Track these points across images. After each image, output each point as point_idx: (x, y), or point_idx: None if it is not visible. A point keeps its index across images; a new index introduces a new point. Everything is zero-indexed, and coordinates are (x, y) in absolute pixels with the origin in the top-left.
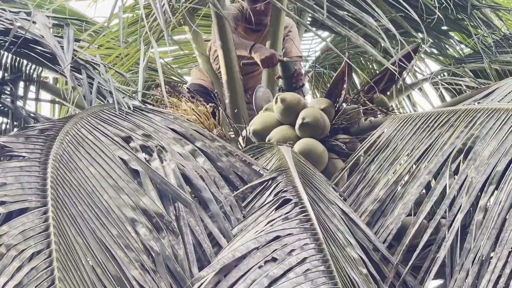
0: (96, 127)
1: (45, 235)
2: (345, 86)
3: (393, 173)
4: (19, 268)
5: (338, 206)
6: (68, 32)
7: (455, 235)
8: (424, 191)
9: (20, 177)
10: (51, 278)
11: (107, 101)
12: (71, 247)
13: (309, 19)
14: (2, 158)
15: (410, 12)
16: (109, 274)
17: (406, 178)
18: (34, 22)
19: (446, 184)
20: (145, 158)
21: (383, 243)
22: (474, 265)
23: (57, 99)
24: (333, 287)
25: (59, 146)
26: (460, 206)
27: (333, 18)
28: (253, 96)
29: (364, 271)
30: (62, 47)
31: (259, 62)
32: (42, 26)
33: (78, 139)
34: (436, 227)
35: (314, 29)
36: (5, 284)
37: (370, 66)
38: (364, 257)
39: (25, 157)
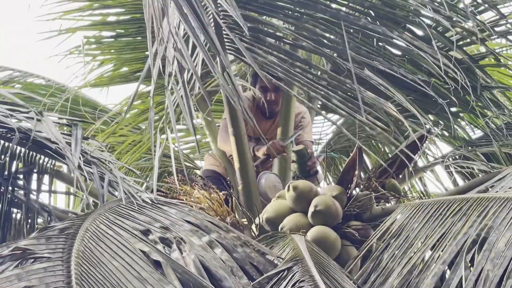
0: (114, 222)
1: None
2: (356, 172)
3: (407, 261)
4: None
5: None
6: (76, 133)
7: None
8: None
9: (44, 278)
10: None
11: (122, 196)
12: None
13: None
14: (25, 262)
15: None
16: None
17: (420, 268)
18: (38, 131)
19: (462, 276)
20: (165, 250)
21: None
22: None
23: (71, 188)
24: None
25: (80, 243)
26: None
27: (345, 102)
28: (257, 183)
29: None
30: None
31: (266, 156)
32: (50, 127)
33: (98, 235)
34: None
35: (325, 113)
36: None
37: (382, 149)
38: None
39: (48, 258)
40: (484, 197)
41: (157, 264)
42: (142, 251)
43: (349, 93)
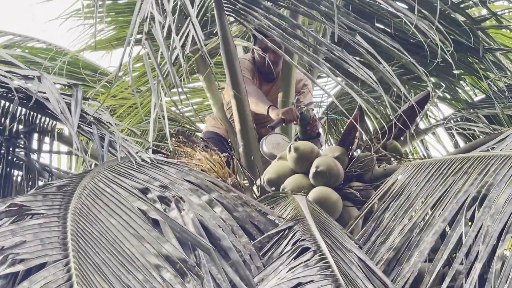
0: (113, 180)
1: (68, 285)
2: (357, 133)
3: (408, 220)
4: None
5: (355, 254)
6: (76, 94)
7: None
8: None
9: (39, 234)
10: None
11: (119, 155)
12: None
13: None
14: (20, 218)
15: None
16: None
17: (421, 226)
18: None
19: (462, 232)
20: (163, 209)
21: None
22: None
23: (73, 150)
24: None
25: (77, 200)
26: (477, 254)
27: (347, 62)
28: (260, 144)
29: None
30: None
31: (280, 119)
32: (49, 89)
33: (96, 192)
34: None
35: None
36: None
37: (384, 112)
38: None
39: (44, 214)
40: (485, 155)
41: (155, 223)
42: (140, 209)
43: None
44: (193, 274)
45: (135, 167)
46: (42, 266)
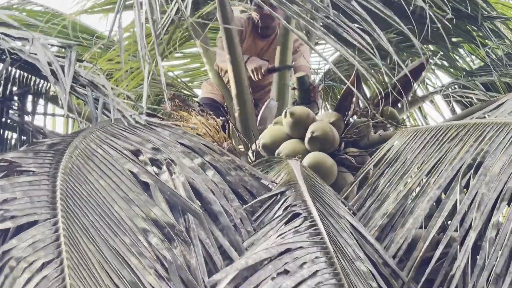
0: (105, 141)
1: (55, 245)
2: (354, 99)
3: (403, 187)
4: (29, 280)
5: (347, 220)
6: (70, 55)
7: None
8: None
9: (29, 191)
10: (62, 285)
11: (112, 116)
12: (83, 255)
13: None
14: (10, 174)
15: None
16: (124, 279)
17: (415, 193)
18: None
19: (456, 200)
20: (155, 171)
21: (393, 258)
22: (489, 285)
23: (68, 113)
24: None
25: (68, 160)
26: (471, 222)
27: (344, 29)
28: (263, 107)
29: (374, 285)
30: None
31: (250, 74)
32: (42, 50)
33: (87, 153)
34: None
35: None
36: None
37: (381, 79)
38: (374, 271)
39: (34, 172)
40: (481, 123)
41: (145, 186)
42: (131, 171)
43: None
44: (180, 239)
45: (128, 129)
46: (31, 224)
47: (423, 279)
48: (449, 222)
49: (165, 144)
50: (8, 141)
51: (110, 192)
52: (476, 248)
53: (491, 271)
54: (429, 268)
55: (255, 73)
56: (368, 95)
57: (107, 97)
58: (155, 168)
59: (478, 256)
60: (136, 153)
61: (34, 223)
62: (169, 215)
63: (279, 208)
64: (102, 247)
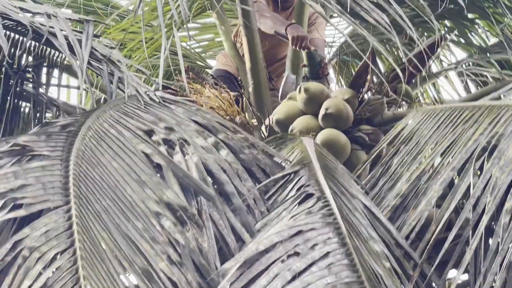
0: (118, 121)
1: (68, 234)
2: (369, 77)
3: (416, 168)
4: (42, 271)
5: (360, 200)
6: (88, 29)
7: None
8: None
9: (41, 177)
10: (75, 277)
11: (126, 93)
12: (96, 243)
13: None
14: (22, 159)
15: None
16: (136, 267)
17: (429, 174)
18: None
19: (470, 183)
20: (168, 152)
21: (406, 239)
22: (502, 270)
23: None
24: (357, 280)
25: (81, 141)
26: (485, 206)
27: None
28: (282, 82)
29: (388, 265)
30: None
31: (290, 39)
32: (60, 25)
33: (100, 133)
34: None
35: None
36: (29, 287)
37: (396, 54)
38: (386, 251)
39: (47, 156)
40: (496, 105)
41: (158, 167)
42: (144, 152)
43: None
44: (193, 222)
45: (142, 107)
46: (42, 211)
47: (436, 261)
48: (461, 205)
49: (179, 122)
50: (22, 109)
51: (123, 175)
52: (489, 233)
53: (504, 257)
54: (442, 251)
55: (295, 42)
56: (382, 71)
57: (122, 73)
58: (168, 148)
59: (491, 241)
60: (149, 133)
61: (47, 211)
62: (182, 198)
63: (292, 188)
64: (115, 233)
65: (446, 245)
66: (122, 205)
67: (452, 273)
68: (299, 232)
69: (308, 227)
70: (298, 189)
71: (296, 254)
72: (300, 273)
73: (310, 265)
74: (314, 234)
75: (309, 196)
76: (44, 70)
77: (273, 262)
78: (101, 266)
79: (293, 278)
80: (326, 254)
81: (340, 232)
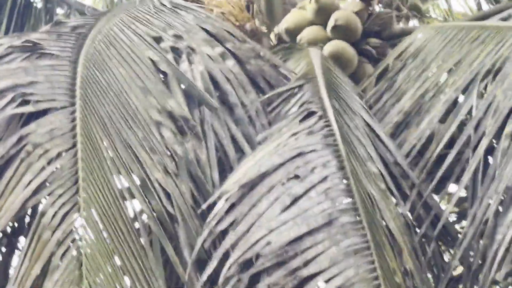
0: (128, 26)
1: (71, 135)
2: None
3: (421, 85)
4: (44, 167)
5: (362, 118)
6: None
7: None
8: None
9: (50, 76)
10: (75, 178)
11: None
12: (96, 147)
13: None
14: (32, 56)
15: None
16: (132, 174)
17: (433, 92)
18: None
19: (472, 104)
20: (175, 60)
21: (406, 157)
22: (498, 194)
23: None
24: (352, 206)
25: (91, 44)
26: (485, 128)
27: None
28: None
29: (383, 186)
30: None
31: None
32: None
33: (110, 38)
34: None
35: None
36: (30, 181)
37: None
38: (384, 171)
39: (56, 55)
40: (504, 26)
41: (164, 75)
42: (151, 59)
43: None
44: (193, 133)
45: (152, 12)
46: (47, 110)
47: (434, 182)
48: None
49: (188, 30)
50: (34, 5)
51: (128, 81)
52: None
53: (500, 181)
54: (441, 170)
55: None
56: None
57: None
58: (175, 56)
59: (490, 164)
60: (158, 40)
61: (52, 110)
62: (184, 108)
63: (295, 104)
64: (115, 140)
65: (447, 162)
66: (124, 112)
67: (451, 188)
68: (300, 154)
69: (308, 149)
70: (301, 106)
71: (296, 177)
72: (299, 197)
73: (309, 190)
74: (314, 156)
75: (311, 114)
76: None
77: (274, 186)
78: (100, 170)
79: (292, 203)
80: (325, 178)
81: (339, 154)
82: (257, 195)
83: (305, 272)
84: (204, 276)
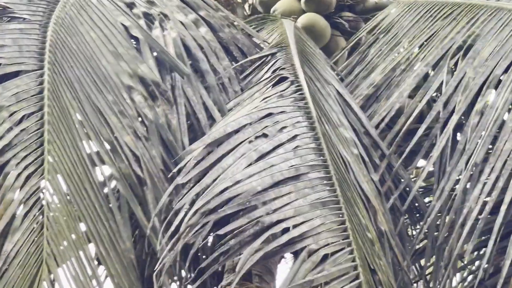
0: None
1: (38, 98)
2: None
3: (392, 59)
4: (9, 129)
5: (334, 87)
6: None
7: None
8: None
9: (18, 40)
10: (40, 140)
11: None
12: (65, 111)
13: None
14: (2, 19)
15: None
16: (101, 138)
17: (404, 66)
18: None
19: (443, 80)
20: (147, 26)
21: (375, 129)
22: (467, 170)
23: None
24: (322, 163)
25: (62, 9)
26: (455, 104)
27: None
28: None
29: (356, 151)
30: None
31: None
32: None
33: (82, 2)
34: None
35: None
36: None
37: None
38: (356, 139)
39: (26, 20)
40: (476, 4)
41: (136, 41)
42: (123, 25)
43: None
44: (164, 98)
45: None
46: (17, 74)
47: (405, 154)
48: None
49: None
50: None
51: (100, 46)
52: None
53: (470, 156)
54: (412, 143)
55: None
56: None
57: None
58: (147, 23)
59: (458, 140)
60: (131, 5)
61: (20, 73)
62: (156, 73)
63: (267, 70)
64: (84, 103)
65: (417, 136)
66: (95, 76)
67: (420, 163)
68: (269, 115)
69: (278, 110)
70: (273, 72)
71: (264, 135)
72: (266, 154)
73: (277, 147)
74: (284, 117)
75: (283, 79)
76: None
77: (240, 143)
78: (67, 133)
79: (259, 158)
80: (294, 137)
81: (310, 116)
82: (223, 151)
83: (267, 220)
84: (172, 228)
